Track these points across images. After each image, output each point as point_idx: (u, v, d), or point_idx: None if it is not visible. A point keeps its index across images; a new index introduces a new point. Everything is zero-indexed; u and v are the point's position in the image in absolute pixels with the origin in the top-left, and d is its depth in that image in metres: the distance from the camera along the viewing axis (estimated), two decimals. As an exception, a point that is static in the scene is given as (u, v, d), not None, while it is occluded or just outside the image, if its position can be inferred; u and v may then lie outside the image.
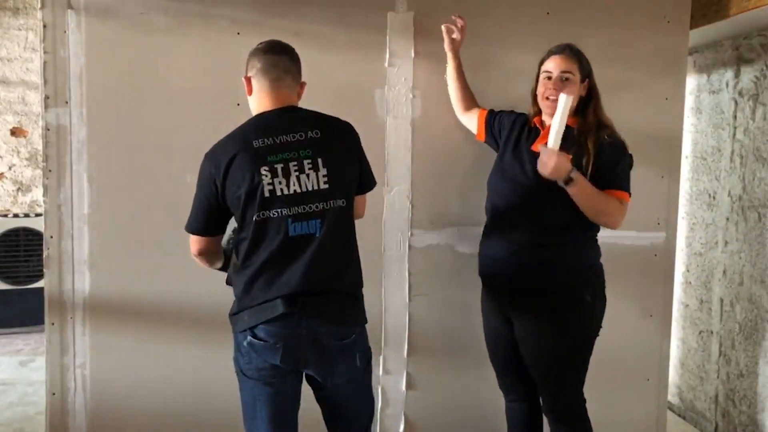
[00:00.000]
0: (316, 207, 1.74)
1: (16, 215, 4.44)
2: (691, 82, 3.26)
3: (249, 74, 1.83)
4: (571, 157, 1.97)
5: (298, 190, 1.73)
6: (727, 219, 3.06)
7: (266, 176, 1.71)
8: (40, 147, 4.31)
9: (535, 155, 2.08)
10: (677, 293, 3.36)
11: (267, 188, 1.71)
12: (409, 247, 2.64)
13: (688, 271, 3.36)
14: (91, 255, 2.43)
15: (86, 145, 2.40)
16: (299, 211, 1.73)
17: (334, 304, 1.78)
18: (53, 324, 2.43)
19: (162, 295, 2.49)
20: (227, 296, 2.49)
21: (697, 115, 3.29)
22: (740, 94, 2.98)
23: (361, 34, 2.53)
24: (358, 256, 1.89)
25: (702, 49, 3.23)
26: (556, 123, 1.98)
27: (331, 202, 1.76)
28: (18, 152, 4.77)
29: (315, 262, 1.74)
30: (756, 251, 2.88)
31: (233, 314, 1.83)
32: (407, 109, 2.58)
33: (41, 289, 2.54)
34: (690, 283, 3.35)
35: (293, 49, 1.86)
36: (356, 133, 1.89)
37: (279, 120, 1.78)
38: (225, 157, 1.74)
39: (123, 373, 2.49)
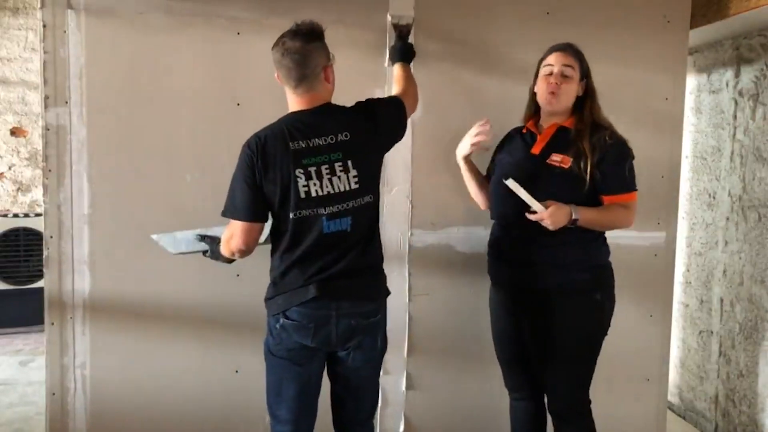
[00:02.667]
0: (348, 206, 1.85)
1: (16, 215, 4.43)
2: (691, 82, 3.26)
3: (277, 74, 1.89)
4: (555, 208, 1.96)
5: (332, 191, 1.83)
6: (727, 219, 3.06)
7: (301, 178, 1.81)
8: (40, 147, 4.32)
9: (536, 158, 2.11)
10: (677, 293, 3.36)
11: (302, 190, 1.81)
12: (409, 247, 2.64)
13: (688, 271, 3.36)
14: (91, 255, 2.43)
15: (86, 145, 2.40)
16: (333, 210, 1.83)
17: (360, 281, 1.89)
18: (53, 324, 2.43)
19: (162, 295, 2.49)
20: (227, 296, 2.50)
21: (697, 115, 3.29)
22: (740, 93, 2.98)
23: (361, 33, 2.53)
24: (380, 236, 1.99)
25: (702, 49, 3.23)
26: (524, 197, 1.97)
27: (360, 199, 1.87)
28: (18, 152, 4.77)
29: (348, 253, 1.86)
30: (756, 251, 2.88)
31: (268, 299, 1.92)
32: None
33: (41, 289, 2.54)
34: (690, 283, 3.35)
35: (305, 48, 1.83)
36: (370, 105, 1.98)
37: (312, 122, 1.85)
38: (264, 152, 1.82)
39: (123, 373, 2.49)
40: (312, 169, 1.81)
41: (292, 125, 1.84)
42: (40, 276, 4.05)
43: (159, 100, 2.44)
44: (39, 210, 4.43)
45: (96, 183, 2.42)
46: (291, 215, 1.81)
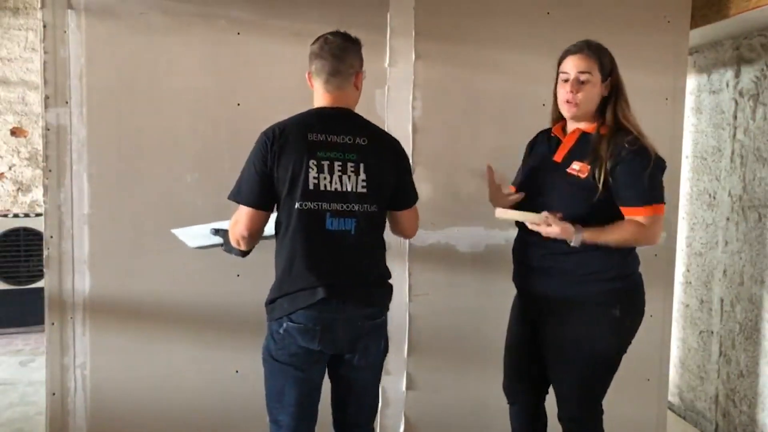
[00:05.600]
0: (353, 207, 1.84)
1: (16, 215, 4.43)
2: (691, 82, 3.26)
3: (309, 70, 1.93)
4: (556, 225, 1.88)
5: (339, 189, 1.83)
6: (728, 219, 3.06)
7: (313, 169, 1.81)
8: (40, 147, 4.32)
9: (557, 166, 2.02)
10: (677, 293, 3.36)
11: (312, 181, 1.81)
12: (409, 247, 2.64)
13: (688, 271, 3.36)
14: (91, 255, 2.43)
15: (86, 145, 2.40)
16: (337, 208, 1.83)
17: (368, 290, 1.90)
18: (53, 324, 2.43)
19: (162, 295, 2.49)
20: (227, 296, 2.50)
21: (697, 115, 3.29)
22: (740, 94, 2.98)
23: (362, 34, 2.52)
24: (385, 254, 1.99)
25: (702, 49, 3.23)
26: (517, 217, 1.96)
27: (366, 206, 1.86)
28: (18, 152, 4.77)
29: (351, 256, 1.85)
30: (756, 251, 2.88)
31: (270, 302, 1.90)
32: (407, 109, 2.58)
33: (41, 289, 2.54)
34: (690, 283, 3.35)
35: (344, 45, 1.90)
36: (402, 151, 2.00)
37: (334, 120, 1.88)
38: (282, 138, 1.83)
39: (123, 373, 2.49)
40: (325, 163, 1.82)
41: (314, 118, 1.88)
42: (40, 276, 4.04)
43: (159, 100, 2.44)
44: (39, 210, 4.43)
45: (96, 183, 2.42)
46: (297, 205, 1.81)
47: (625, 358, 2.03)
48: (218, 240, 2.12)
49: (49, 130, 2.37)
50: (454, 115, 2.61)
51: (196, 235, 2.23)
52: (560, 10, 2.65)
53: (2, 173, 4.75)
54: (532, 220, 1.93)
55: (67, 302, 2.43)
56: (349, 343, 1.88)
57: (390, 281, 1.99)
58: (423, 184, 2.61)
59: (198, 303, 2.51)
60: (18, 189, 4.78)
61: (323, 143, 1.83)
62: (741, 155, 2.97)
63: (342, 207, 1.83)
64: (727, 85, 3.07)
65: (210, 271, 2.42)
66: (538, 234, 1.99)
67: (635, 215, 1.91)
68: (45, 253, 2.41)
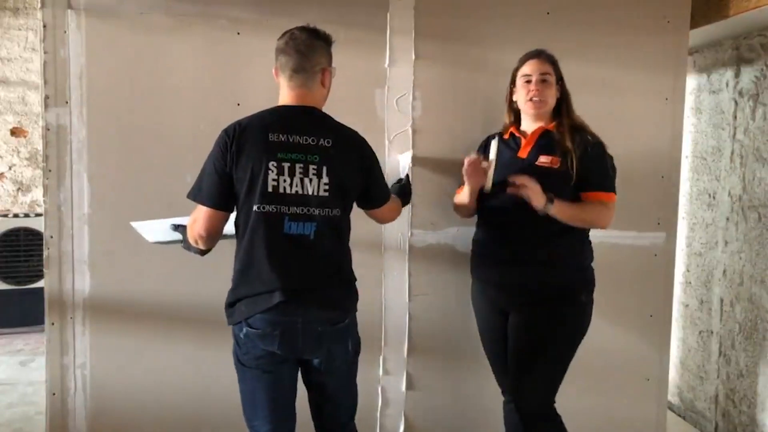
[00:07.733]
0: (313, 212, 1.79)
1: (16, 215, 4.44)
2: (691, 82, 3.26)
3: (275, 65, 1.88)
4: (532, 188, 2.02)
5: (300, 192, 1.78)
6: (727, 219, 3.06)
7: (272, 171, 1.76)
8: (40, 147, 4.32)
9: (524, 161, 2.14)
10: (677, 293, 3.36)
11: (271, 183, 1.76)
12: (409, 247, 2.64)
13: (688, 271, 3.36)
14: (91, 255, 2.43)
15: (86, 145, 2.40)
16: (297, 211, 1.78)
17: (328, 294, 1.84)
18: (53, 324, 2.43)
19: (162, 295, 2.49)
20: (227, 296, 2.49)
21: (697, 115, 3.29)
22: (740, 94, 2.98)
23: (362, 33, 2.53)
24: (351, 258, 1.93)
25: (702, 49, 3.24)
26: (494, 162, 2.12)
27: (328, 210, 1.81)
28: (18, 152, 4.77)
29: (309, 261, 1.80)
30: (756, 251, 2.88)
31: (229, 305, 1.85)
32: (407, 109, 2.58)
33: (41, 289, 2.54)
34: (690, 283, 3.35)
35: (310, 41, 1.84)
36: (369, 150, 1.93)
37: (297, 120, 1.82)
38: (241, 138, 1.79)
39: (123, 373, 2.49)
40: (285, 165, 1.76)
41: (275, 117, 1.82)
42: (40, 276, 4.05)
43: (159, 100, 2.44)
44: (39, 210, 4.44)
45: (96, 183, 2.42)
46: (255, 208, 1.76)
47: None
48: (178, 236, 2.09)
49: (49, 130, 2.37)
50: (454, 115, 2.61)
51: (156, 230, 2.19)
52: (560, 11, 2.65)
53: (2, 173, 4.75)
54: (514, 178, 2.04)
55: (67, 302, 2.43)
56: (310, 348, 1.82)
57: (356, 284, 1.92)
58: (423, 184, 2.61)
59: (198, 303, 2.51)
60: (18, 189, 4.79)
61: (284, 144, 1.77)
62: (741, 155, 2.97)
63: (301, 211, 1.78)
64: (727, 85, 3.07)
65: (210, 271, 2.41)
66: (508, 225, 2.14)
67: (601, 199, 2.10)
68: (45, 253, 2.41)
